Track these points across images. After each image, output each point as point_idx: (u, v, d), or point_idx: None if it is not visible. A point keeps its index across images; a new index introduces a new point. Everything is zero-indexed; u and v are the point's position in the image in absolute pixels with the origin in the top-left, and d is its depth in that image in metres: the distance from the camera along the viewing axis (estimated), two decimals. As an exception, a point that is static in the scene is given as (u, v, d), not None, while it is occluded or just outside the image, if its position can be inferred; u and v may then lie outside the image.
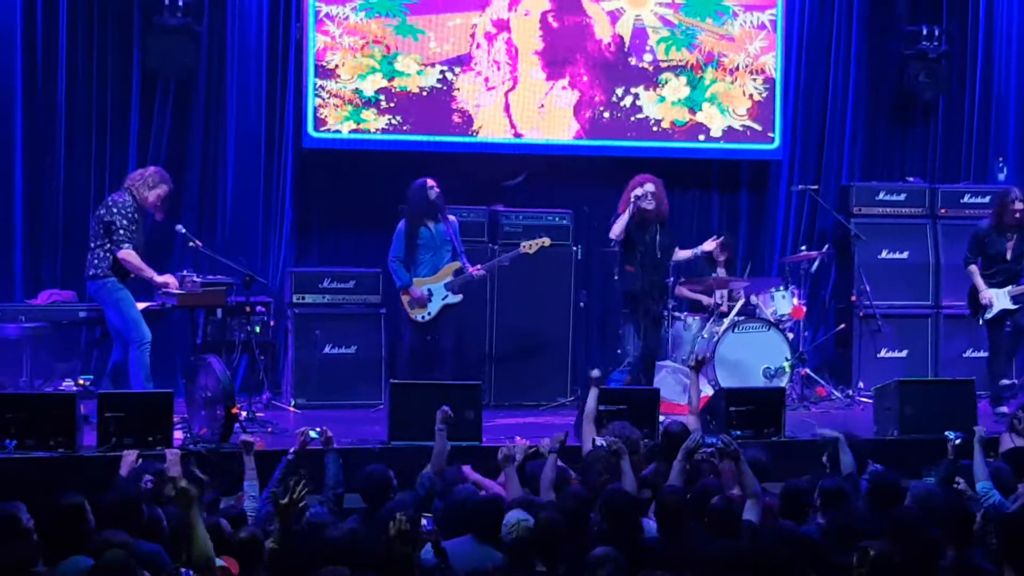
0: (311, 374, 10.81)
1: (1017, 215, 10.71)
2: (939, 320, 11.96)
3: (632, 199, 10.20)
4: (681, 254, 10.80)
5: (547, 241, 10.61)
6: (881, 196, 12.10)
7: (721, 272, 11.48)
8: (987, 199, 12.04)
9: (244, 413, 9.33)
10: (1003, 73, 12.84)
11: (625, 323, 10.80)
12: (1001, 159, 12.69)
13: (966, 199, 12.17)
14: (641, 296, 10.25)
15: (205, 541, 5.42)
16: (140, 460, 7.57)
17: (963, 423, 8.47)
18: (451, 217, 10.49)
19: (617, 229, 10.23)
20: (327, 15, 11.42)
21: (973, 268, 10.82)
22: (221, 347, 10.18)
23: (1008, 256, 10.76)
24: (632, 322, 10.46)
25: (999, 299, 10.71)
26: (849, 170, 12.61)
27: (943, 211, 12.12)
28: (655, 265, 10.30)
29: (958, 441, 8.06)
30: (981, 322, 10.89)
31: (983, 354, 11.56)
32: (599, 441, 7.63)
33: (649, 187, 10.28)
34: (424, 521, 6.24)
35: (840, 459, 7.70)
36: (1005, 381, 10.91)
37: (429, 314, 10.36)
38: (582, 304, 11.33)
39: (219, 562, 5.63)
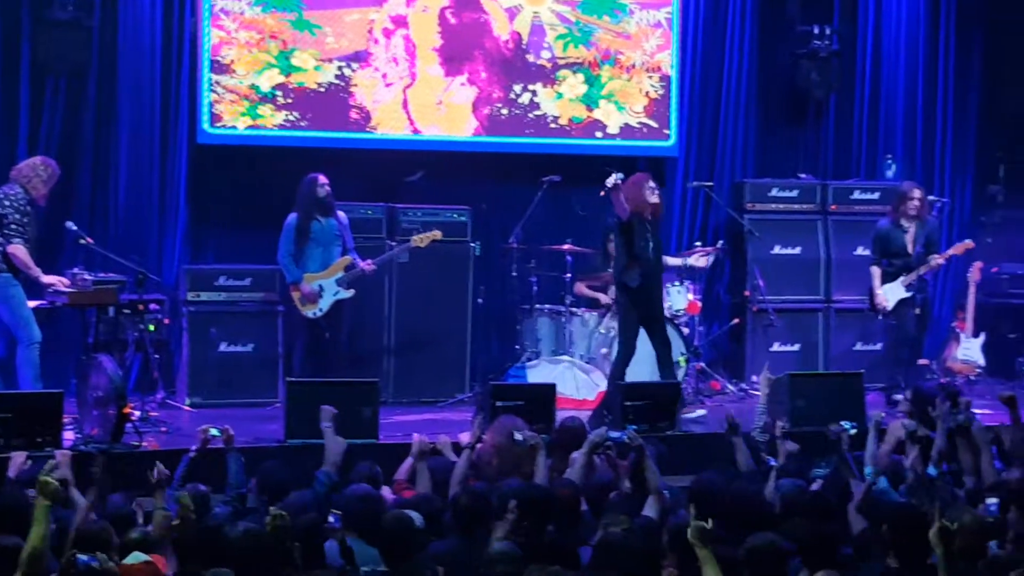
0: (206, 373, 10.72)
1: (914, 210, 10.95)
2: (830, 314, 12.14)
3: (616, 180, 9.59)
4: (670, 261, 10.83)
5: (438, 234, 10.64)
6: (774, 192, 12.27)
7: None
8: (876, 195, 12.31)
9: (137, 413, 9.22)
10: (891, 72, 13.10)
11: (614, 319, 10.70)
12: (889, 156, 12.93)
13: (856, 195, 12.38)
14: (643, 293, 9.94)
15: (41, 541, 5.33)
16: (29, 462, 7.45)
17: (852, 415, 8.63)
18: (340, 213, 10.45)
19: (626, 213, 9.78)
20: (222, 9, 11.32)
21: (875, 270, 11.01)
22: (114, 346, 10.02)
23: (910, 249, 10.97)
24: (625, 319, 10.08)
25: (893, 292, 10.92)
26: (743, 167, 12.77)
27: (834, 207, 12.31)
28: (655, 261, 10.00)
29: (853, 431, 8.22)
30: (881, 317, 11.09)
31: (873, 347, 11.86)
32: (517, 436, 7.66)
33: (652, 183, 10.03)
34: (331, 518, 6.24)
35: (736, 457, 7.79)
36: (922, 361, 11.30)
37: (320, 310, 10.31)
38: (480, 300, 11.36)
39: (144, 557, 5.58)
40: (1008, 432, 8.48)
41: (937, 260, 10.98)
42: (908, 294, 10.93)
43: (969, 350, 11.56)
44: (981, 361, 11.43)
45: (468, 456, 7.47)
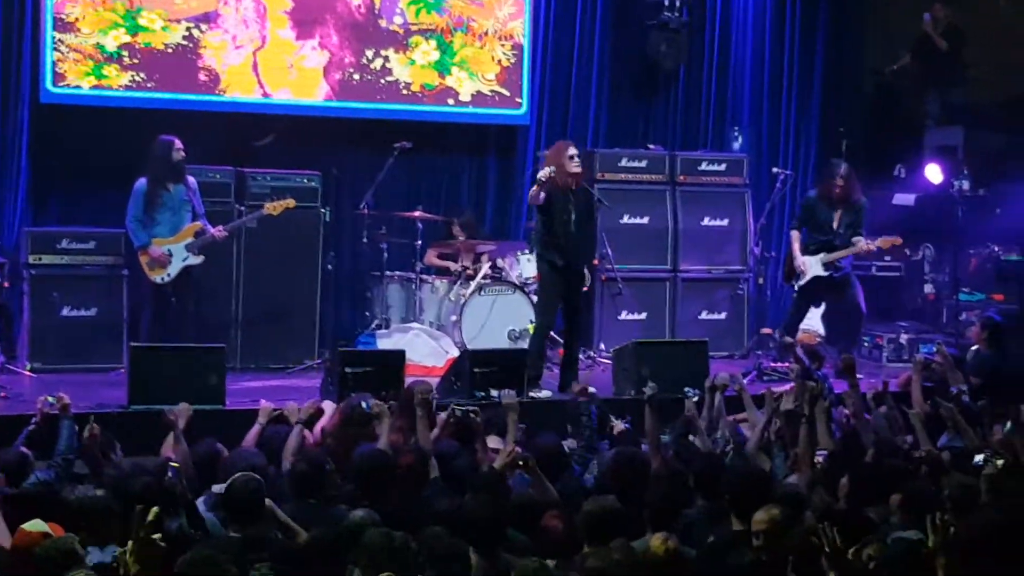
0: (48, 337, 10.50)
1: (837, 190, 11.11)
2: (677, 283, 12.30)
3: (549, 172, 9.66)
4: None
5: (292, 203, 10.53)
6: (623, 162, 12.36)
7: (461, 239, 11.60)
8: (723, 167, 12.54)
9: (-25, 378, 9.03)
10: (739, 45, 13.33)
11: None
12: (736, 128, 13.18)
13: (703, 166, 12.55)
14: (565, 270, 9.88)
15: None
16: None
17: (697, 382, 8.85)
18: (189, 177, 10.30)
19: (539, 196, 9.72)
20: (66, -34, 11.06)
21: (794, 234, 11.27)
22: (-49, 310, 9.82)
23: (835, 226, 11.14)
24: (544, 294, 10.09)
25: (812, 266, 11.13)
26: (594, 136, 12.89)
27: (682, 178, 12.45)
28: (578, 235, 9.88)
29: (695, 398, 8.42)
30: (796, 286, 11.28)
31: (718, 316, 12.15)
32: (364, 404, 7.70)
33: (573, 150, 9.91)
34: (170, 472, 6.21)
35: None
36: (765, 331, 11.62)
37: (169, 275, 10.16)
38: (330, 267, 11.30)
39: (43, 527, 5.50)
40: (849, 398, 8.78)
41: (863, 245, 11.07)
42: (825, 273, 11.12)
43: (811, 319, 11.83)
44: (822, 330, 11.70)
45: (300, 431, 7.49)
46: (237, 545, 5.56)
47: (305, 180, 11.33)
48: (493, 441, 7.64)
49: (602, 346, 11.76)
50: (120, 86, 11.25)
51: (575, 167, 9.84)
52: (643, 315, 12.16)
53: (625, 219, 12.19)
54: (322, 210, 11.30)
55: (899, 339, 12.02)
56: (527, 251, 11.40)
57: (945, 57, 13.31)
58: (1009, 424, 7.87)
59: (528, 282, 11.26)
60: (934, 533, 4.99)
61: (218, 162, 11.16)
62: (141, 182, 10.16)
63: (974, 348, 10.23)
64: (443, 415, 7.89)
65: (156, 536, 4.38)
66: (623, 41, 13.06)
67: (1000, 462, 6.79)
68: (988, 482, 6.50)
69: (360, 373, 9.04)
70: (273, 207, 10.44)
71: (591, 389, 8.22)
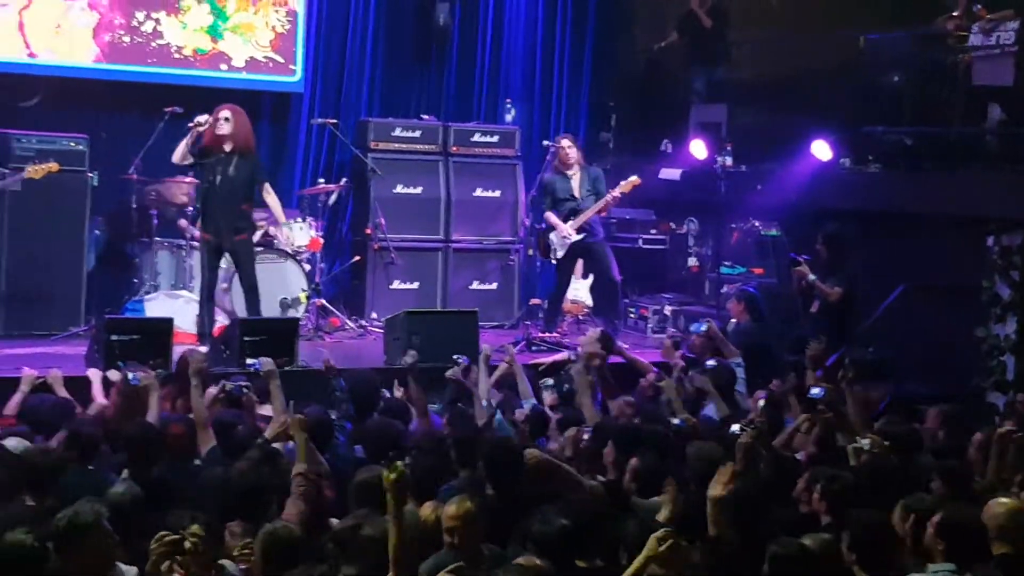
0: None
1: (568, 152, 11.42)
2: (448, 253, 12.45)
3: (193, 123, 9.85)
4: None
5: (55, 166, 10.22)
6: (397, 132, 12.44)
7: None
8: (496, 138, 12.72)
9: None
10: (514, 20, 13.53)
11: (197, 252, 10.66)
12: (509, 101, 13.37)
13: (476, 138, 12.71)
14: (211, 225, 9.94)
15: None
16: None
17: (467, 351, 8.99)
18: (-51, 138, 9.98)
19: (177, 154, 9.92)
20: None
21: (549, 214, 11.44)
22: None
23: (575, 192, 11.41)
24: (202, 252, 10.12)
25: (568, 235, 11.36)
26: (368, 105, 12.93)
27: (455, 149, 12.59)
28: (227, 195, 9.90)
29: (465, 364, 8.58)
30: (554, 260, 11.50)
31: (489, 286, 12.35)
32: (130, 376, 7.62)
33: (224, 113, 9.92)
34: None
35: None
36: (535, 301, 11.88)
37: (-75, 239, 9.83)
38: (97, 232, 11.07)
39: None
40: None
41: (608, 198, 11.29)
42: (579, 237, 11.34)
43: (578, 291, 12.10)
44: (589, 301, 11.98)
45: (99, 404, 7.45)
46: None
47: (72, 144, 11.02)
48: (267, 410, 7.65)
49: (374, 315, 11.82)
50: None
51: (219, 128, 9.86)
52: (415, 284, 12.27)
53: (398, 189, 12.28)
54: (89, 174, 11.04)
55: (663, 311, 12.40)
56: (299, 219, 11.38)
57: (710, 35, 13.68)
58: (763, 399, 8.21)
59: (300, 250, 11.25)
60: (668, 503, 5.19)
61: (-20, 123, 10.81)
62: None
63: (733, 321, 10.63)
64: (213, 389, 7.84)
65: None
66: (399, 10, 13.12)
67: (755, 431, 7.06)
68: (742, 451, 6.80)
69: (126, 341, 8.92)
70: (35, 170, 10.11)
71: (329, 359, 8.35)
